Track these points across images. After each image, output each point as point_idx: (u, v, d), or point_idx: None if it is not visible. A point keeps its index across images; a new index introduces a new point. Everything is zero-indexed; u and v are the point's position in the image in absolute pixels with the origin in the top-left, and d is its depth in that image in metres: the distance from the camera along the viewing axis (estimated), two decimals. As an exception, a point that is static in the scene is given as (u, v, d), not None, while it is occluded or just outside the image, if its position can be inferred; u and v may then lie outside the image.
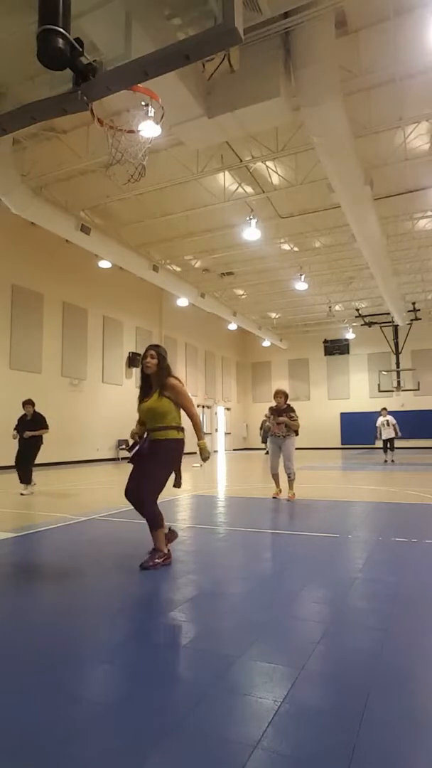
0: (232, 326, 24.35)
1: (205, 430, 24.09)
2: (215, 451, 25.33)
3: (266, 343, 27.86)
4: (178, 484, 3.71)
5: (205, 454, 3.65)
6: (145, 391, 3.82)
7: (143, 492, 3.58)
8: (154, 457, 3.61)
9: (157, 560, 3.57)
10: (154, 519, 3.63)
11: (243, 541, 4.60)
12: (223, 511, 6.37)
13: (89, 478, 11.17)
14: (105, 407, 17.87)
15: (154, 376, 3.75)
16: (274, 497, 7.25)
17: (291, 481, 7.21)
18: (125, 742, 1.56)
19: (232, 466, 15.21)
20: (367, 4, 7.22)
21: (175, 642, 2.34)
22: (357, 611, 2.74)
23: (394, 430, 15.32)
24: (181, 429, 3.71)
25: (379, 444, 16.09)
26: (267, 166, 11.54)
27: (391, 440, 15.45)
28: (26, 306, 14.88)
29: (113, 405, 18.30)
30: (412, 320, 23.73)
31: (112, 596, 3.03)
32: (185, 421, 3.70)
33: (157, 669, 2.05)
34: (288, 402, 7.39)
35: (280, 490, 7.35)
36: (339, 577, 3.33)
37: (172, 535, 3.87)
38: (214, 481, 10.47)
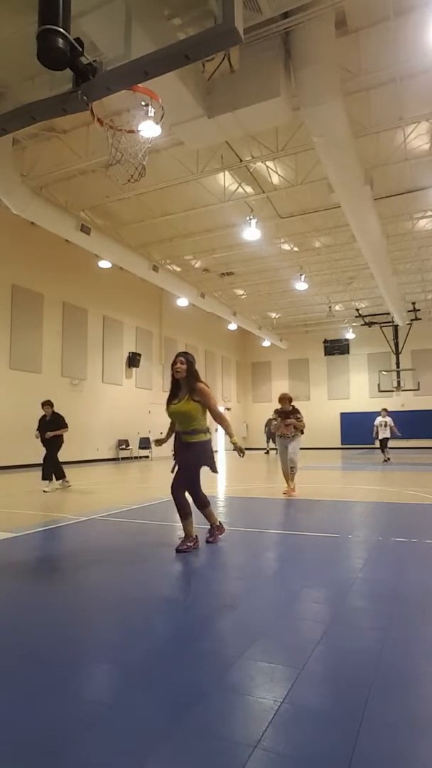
0: (232, 326, 24.34)
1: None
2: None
3: (266, 343, 27.85)
4: (215, 470, 4.25)
5: (240, 450, 4.14)
6: (174, 394, 4.19)
7: (182, 489, 4.12)
8: (187, 459, 4.12)
9: (189, 544, 4.05)
10: (200, 501, 4.19)
11: (243, 540, 4.60)
12: (224, 511, 6.36)
13: (89, 478, 11.17)
14: (105, 407, 17.88)
15: (184, 381, 4.13)
16: (284, 494, 7.37)
17: (293, 473, 7.52)
18: (125, 742, 1.56)
19: (232, 466, 15.20)
20: (367, 4, 7.22)
21: (175, 642, 2.34)
22: (357, 611, 2.74)
23: (391, 430, 15.55)
24: (207, 430, 4.17)
25: (377, 444, 16.30)
26: (267, 166, 11.54)
27: (386, 440, 15.71)
28: (26, 306, 14.88)
29: (113, 405, 18.31)
30: (412, 320, 23.73)
31: (112, 596, 3.03)
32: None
33: (156, 669, 2.05)
34: (293, 404, 7.64)
35: (293, 488, 7.48)
36: (339, 577, 3.33)
37: (220, 529, 4.44)
38: (215, 480, 10.47)
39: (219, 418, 4.19)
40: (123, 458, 18.72)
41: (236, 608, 2.81)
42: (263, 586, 3.20)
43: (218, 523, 4.42)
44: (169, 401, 4.19)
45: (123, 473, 12.50)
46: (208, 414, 4.17)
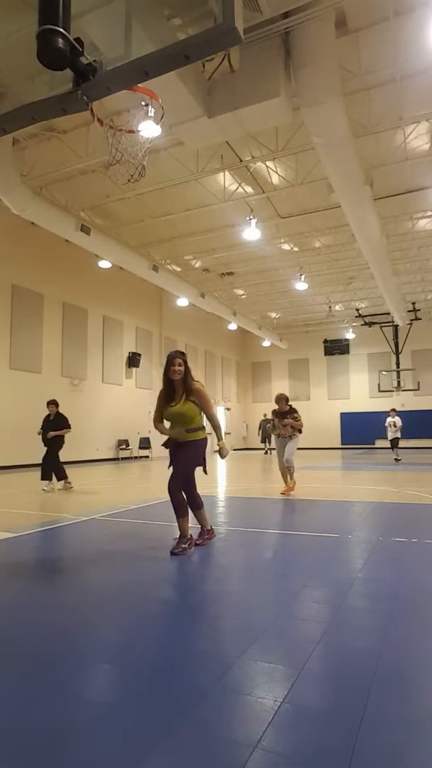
0: (232, 326, 24.34)
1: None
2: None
3: (266, 343, 27.84)
4: (205, 471, 4.23)
5: (224, 453, 4.23)
6: (170, 395, 4.10)
7: (179, 488, 4.10)
8: (184, 458, 4.10)
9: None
10: (195, 502, 4.22)
11: (243, 541, 4.60)
12: (223, 511, 6.36)
13: (89, 478, 11.17)
14: (105, 407, 17.88)
15: (180, 382, 4.06)
16: (282, 493, 7.41)
17: (290, 472, 7.58)
18: (125, 742, 1.56)
19: (232, 466, 15.20)
20: (367, 4, 7.22)
21: (176, 642, 2.34)
22: (357, 611, 2.74)
23: (399, 431, 16.10)
24: (204, 428, 4.21)
25: (385, 444, 17.05)
26: (267, 166, 11.54)
27: (395, 440, 16.26)
28: (26, 306, 14.88)
29: (113, 405, 18.30)
30: (412, 320, 23.72)
31: (112, 596, 3.03)
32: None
33: (157, 669, 2.05)
34: (289, 404, 7.66)
35: (292, 485, 7.50)
36: (339, 577, 3.33)
37: (211, 534, 4.43)
38: (215, 480, 10.47)
39: (213, 421, 4.14)
40: (123, 458, 18.72)
41: (236, 608, 2.81)
42: (263, 586, 3.20)
43: (210, 528, 4.41)
44: (167, 403, 4.12)
45: (123, 473, 12.50)
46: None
